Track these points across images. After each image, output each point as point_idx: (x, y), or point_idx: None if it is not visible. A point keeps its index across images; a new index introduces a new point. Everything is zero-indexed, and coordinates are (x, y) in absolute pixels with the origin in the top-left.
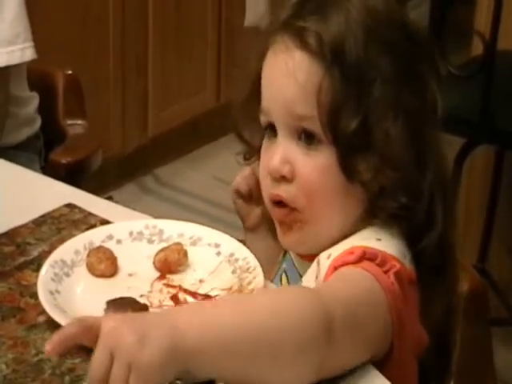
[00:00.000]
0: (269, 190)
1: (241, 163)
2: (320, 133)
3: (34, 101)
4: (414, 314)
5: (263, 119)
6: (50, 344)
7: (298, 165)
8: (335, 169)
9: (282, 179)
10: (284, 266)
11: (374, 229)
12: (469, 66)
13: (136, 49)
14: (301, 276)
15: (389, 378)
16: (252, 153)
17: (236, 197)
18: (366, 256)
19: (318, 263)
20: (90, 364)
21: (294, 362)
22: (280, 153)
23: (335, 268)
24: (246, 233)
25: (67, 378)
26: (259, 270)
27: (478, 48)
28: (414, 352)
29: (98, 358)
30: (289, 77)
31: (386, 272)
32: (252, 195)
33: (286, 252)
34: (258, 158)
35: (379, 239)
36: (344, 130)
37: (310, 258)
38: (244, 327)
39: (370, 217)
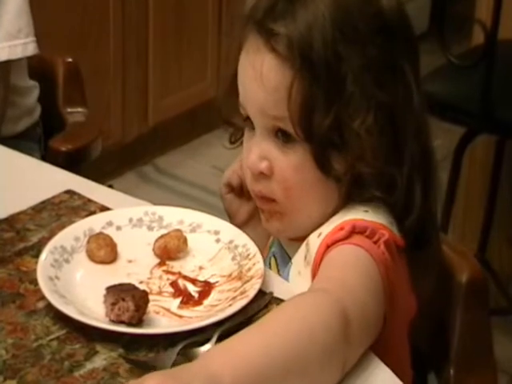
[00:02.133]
0: (249, 183)
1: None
2: (293, 132)
3: (34, 91)
4: (404, 280)
5: (242, 112)
6: None
7: (274, 162)
8: (311, 165)
9: (261, 175)
10: (273, 249)
11: (359, 202)
12: (470, 55)
13: (136, 37)
14: (290, 258)
15: (380, 350)
16: (237, 136)
17: (226, 191)
18: (355, 230)
19: (308, 244)
20: None
21: (321, 371)
22: (257, 150)
23: (327, 246)
24: None
25: (67, 363)
26: (259, 256)
27: (478, 37)
28: (404, 320)
29: None
30: (259, 80)
31: (375, 242)
32: (243, 188)
33: (274, 238)
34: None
35: (366, 210)
36: (316, 128)
37: (299, 239)
38: (271, 355)
39: (347, 202)
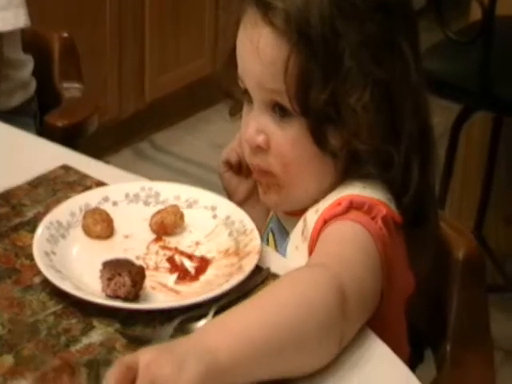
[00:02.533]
0: (247, 156)
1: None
2: (290, 106)
3: (28, 64)
4: (402, 256)
5: (241, 85)
6: None
7: (271, 136)
8: (307, 140)
9: (258, 148)
10: (270, 225)
11: (357, 178)
12: (467, 31)
13: (133, 13)
14: (288, 233)
15: (377, 325)
16: (237, 109)
17: (225, 169)
18: (353, 205)
19: (305, 219)
20: None
21: (318, 346)
22: (255, 123)
23: (325, 221)
24: None
25: (63, 338)
26: (255, 232)
27: (476, 14)
28: (401, 296)
29: None
30: (256, 54)
31: (373, 218)
32: (241, 166)
33: (272, 214)
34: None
35: (364, 187)
36: (313, 103)
37: (297, 214)
38: (267, 330)
39: (345, 178)
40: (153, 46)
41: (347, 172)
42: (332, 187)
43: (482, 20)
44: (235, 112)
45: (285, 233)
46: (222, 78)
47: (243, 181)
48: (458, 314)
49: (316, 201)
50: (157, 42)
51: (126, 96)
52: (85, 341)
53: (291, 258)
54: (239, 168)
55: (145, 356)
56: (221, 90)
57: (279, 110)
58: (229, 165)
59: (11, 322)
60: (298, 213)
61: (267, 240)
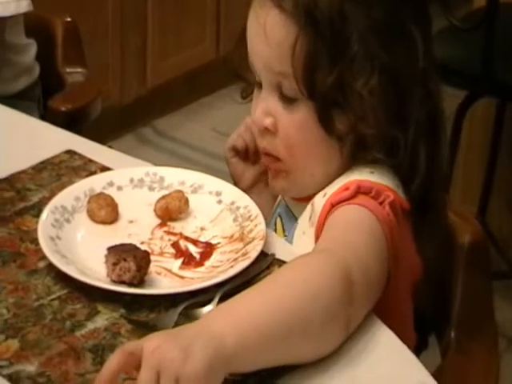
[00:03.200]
0: (256, 138)
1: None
2: (297, 89)
3: (31, 48)
4: (409, 242)
5: (251, 67)
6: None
7: (278, 119)
8: (314, 123)
9: (266, 131)
10: (278, 210)
11: (365, 163)
12: (471, 18)
13: None
14: (296, 219)
15: (383, 311)
16: (248, 91)
17: (231, 155)
18: (360, 190)
19: (313, 204)
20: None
21: (324, 331)
22: (263, 105)
23: (332, 205)
24: None
25: (68, 323)
26: (261, 218)
27: (480, 0)
28: (409, 281)
29: (145, 377)
30: (264, 35)
31: (381, 203)
32: (248, 152)
33: (279, 199)
34: None
35: (372, 172)
36: (320, 86)
37: (305, 200)
38: (273, 315)
39: (352, 164)
40: (155, 31)
41: (354, 157)
42: (339, 172)
43: (486, 6)
44: (247, 95)
45: (293, 218)
46: (233, 60)
47: (249, 167)
48: (463, 300)
49: (322, 184)
50: (159, 27)
51: (129, 81)
52: (90, 326)
53: (298, 243)
54: (246, 154)
55: (149, 342)
56: (232, 72)
57: (286, 94)
58: (235, 150)
59: (16, 305)
60: (306, 198)
61: (275, 225)
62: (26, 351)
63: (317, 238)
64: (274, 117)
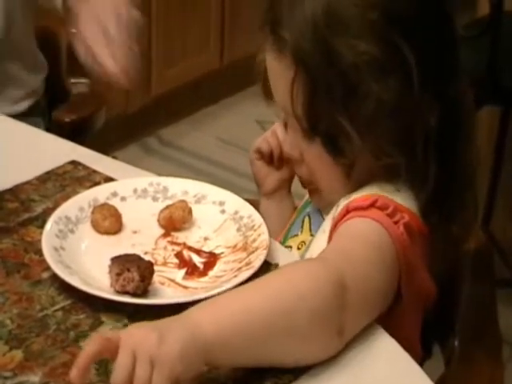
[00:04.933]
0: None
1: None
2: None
3: (43, 71)
4: (423, 265)
5: None
6: (75, 369)
7: (303, 150)
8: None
9: (295, 160)
10: (308, 210)
11: (393, 177)
12: (475, 26)
13: (139, 7)
14: (323, 219)
15: (388, 326)
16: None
17: (256, 157)
18: (376, 204)
19: (338, 206)
20: (114, 368)
21: (311, 334)
22: (288, 140)
23: (348, 210)
24: (261, 198)
25: (72, 333)
26: (264, 227)
27: (484, 8)
28: (421, 303)
29: (122, 360)
30: (273, 79)
31: (396, 223)
32: (273, 157)
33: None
34: None
35: (399, 190)
36: (320, 123)
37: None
38: (254, 311)
39: (374, 174)
40: (159, 40)
41: (374, 170)
42: (364, 182)
43: (490, 15)
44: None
45: (321, 217)
46: (260, 59)
47: (273, 171)
48: (467, 308)
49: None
50: (163, 35)
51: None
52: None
53: (317, 239)
54: (270, 158)
55: (127, 329)
56: (258, 72)
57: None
58: (260, 153)
59: (20, 316)
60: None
61: (302, 222)
62: (30, 362)
63: (330, 237)
64: (299, 148)
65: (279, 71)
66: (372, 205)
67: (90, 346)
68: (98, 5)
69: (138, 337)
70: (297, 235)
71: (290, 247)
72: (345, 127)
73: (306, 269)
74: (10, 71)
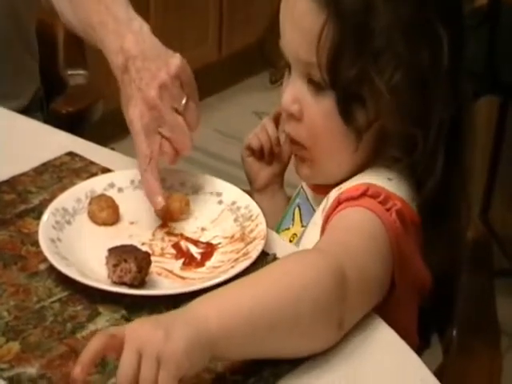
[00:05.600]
0: (284, 125)
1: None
2: (321, 79)
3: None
4: (416, 253)
5: (283, 54)
6: (79, 366)
7: (306, 106)
8: (337, 114)
9: (292, 117)
10: (298, 201)
11: (386, 166)
12: (473, 16)
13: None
14: (314, 210)
15: (385, 316)
16: (278, 76)
17: (247, 154)
18: (368, 193)
19: (328, 198)
20: (119, 365)
21: (314, 326)
22: (291, 91)
23: (339, 201)
24: (253, 193)
25: (69, 325)
26: (261, 217)
27: None
28: (416, 291)
29: (127, 358)
30: (293, 23)
31: (388, 210)
32: (263, 152)
33: (299, 189)
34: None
35: (390, 179)
36: (342, 77)
37: (324, 192)
38: (258, 304)
39: (374, 157)
40: (156, 32)
41: (375, 152)
42: (362, 167)
43: (488, 4)
44: (276, 79)
45: (311, 209)
46: (265, 45)
47: (264, 167)
48: (465, 299)
49: (349, 173)
50: (161, 28)
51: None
52: (91, 327)
53: (308, 232)
54: (261, 154)
55: (132, 325)
56: (263, 57)
57: (313, 83)
58: (251, 150)
59: (17, 308)
60: (325, 190)
61: (293, 214)
62: (26, 353)
63: (322, 230)
64: (301, 104)
65: (306, 13)
66: (364, 194)
67: (94, 342)
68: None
69: (143, 334)
70: (288, 228)
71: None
72: (368, 86)
73: (306, 260)
74: (21, 61)
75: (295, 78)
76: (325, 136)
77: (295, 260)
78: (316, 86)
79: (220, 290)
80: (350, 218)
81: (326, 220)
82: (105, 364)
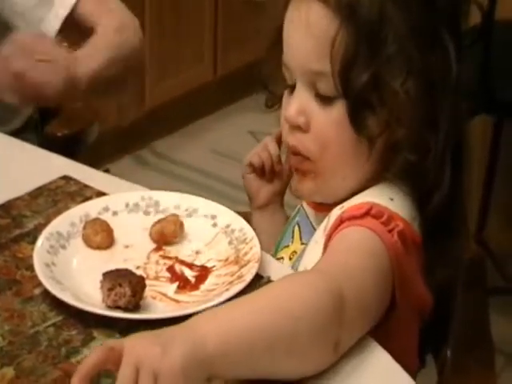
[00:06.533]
0: (285, 136)
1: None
2: (333, 88)
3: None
4: (418, 274)
5: (285, 73)
6: (77, 377)
7: (313, 117)
8: (347, 123)
9: (297, 129)
10: (297, 219)
11: (388, 185)
12: (466, 35)
13: None
14: (314, 228)
15: (383, 336)
16: (274, 101)
17: (248, 171)
18: (371, 212)
19: (330, 216)
20: (117, 380)
21: (311, 348)
22: (297, 103)
23: (342, 220)
24: (253, 211)
25: (63, 349)
26: (256, 240)
27: (475, 17)
28: (417, 311)
29: (125, 372)
30: (306, 29)
31: (390, 231)
32: (264, 170)
33: (299, 208)
34: (280, 107)
35: (392, 199)
36: (354, 83)
37: (325, 210)
38: (257, 324)
39: (382, 170)
40: (153, 53)
41: (384, 163)
42: (368, 180)
43: (482, 23)
44: (272, 104)
45: (310, 227)
46: (264, 65)
47: (265, 184)
48: (459, 319)
49: (352, 190)
50: (157, 48)
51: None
52: (85, 352)
53: (309, 251)
54: (262, 171)
55: (131, 339)
56: (260, 79)
57: (322, 92)
58: (252, 167)
59: (12, 333)
60: (326, 208)
61: (292, 232)
62: (21, 379)
63: (325, 249)
64: (308, 114)
65: (320, 19)
66: (367, 213)
67: (92, 355)
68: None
69: (141, 349)
70: (288, 246)
71: (282, 258)
72: (380, 92)
73: (309, 282)
74: None
75: (301, 91)
76: (335, 146)
77: (294, 280)
78: (324, 98)
79: (219, 308)
80: (351, 238)
81: (329, 239)
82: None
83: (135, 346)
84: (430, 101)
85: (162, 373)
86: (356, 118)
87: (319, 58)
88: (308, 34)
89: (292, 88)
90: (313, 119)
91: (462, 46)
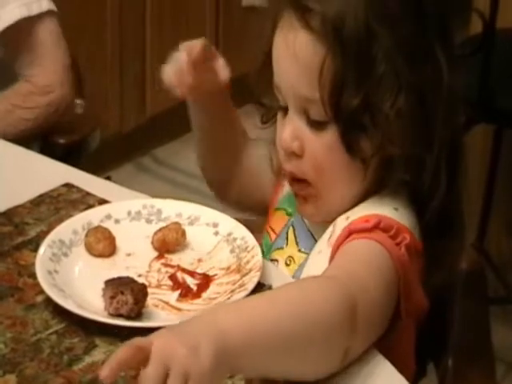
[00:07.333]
0: (282, 162)
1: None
2: (324, 113)
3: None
4: (418, 281)
5: (277, 93)
6: (105, 371)
7: (306, 142)
8: (341, 146)
9: (292, 154)
10: (292, 220)
11: (389, 193)
12: (467, 44)
13: (134, 28)
14: (314, 237)
15: (391, 344)
16: (269, 116)
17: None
18: (380, 226)
19: (335, 225)
20: (144, 379)
21: (322, 355)
22: (290, 129)
23: (350, 232)
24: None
25: (66, 357)
26: (257, 249)
27: (476, 26)
28: (414, 318)
29: (153, 372)
30: (292, 57)
31: (398, 244)
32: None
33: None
34: (275, 122)
35: (396, 208)
36: (345, 108)
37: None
38: (275, 325)
39: (380, 184)
40: (153, 60)
41: (379, 180)
42: (364, 195)
43: (483, 33)
44: (267, 120)
45: (309, 234)
46: (255, 85)
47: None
48: (460, 327)
49: (346, 210)
50: (157, 55)
51: (127, 110)
52: (87, 360)
53: (312, 261)
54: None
55: (159, 338)
56: (253, 97)
57: (313, 118)
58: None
59: (14, 340)
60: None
61: (287, 234)
62: None
63: (331, 259)
64: (301, 139)
65: (306, 45)
66: (376, 226)
67: (120, 353)
68: None
69: (171, 350)
70: (282, 248)
71: (276, 261)
72: (372, 114)
73: (326, 287)
74: None
75: (292, 115)
76: (330, 170)
77: (311, 285)
78: (315, 123)
79: (240, 304)
80: (362, 249)
81: (336, 250)
82: None
83: (163, 347)
84: (423, 115)
85: (193, 374)
86: (348, 141)
87: (308, 86)
88: (295, 63)
89: (285, 109)
90: (306, 144)
91: (459, 56)
